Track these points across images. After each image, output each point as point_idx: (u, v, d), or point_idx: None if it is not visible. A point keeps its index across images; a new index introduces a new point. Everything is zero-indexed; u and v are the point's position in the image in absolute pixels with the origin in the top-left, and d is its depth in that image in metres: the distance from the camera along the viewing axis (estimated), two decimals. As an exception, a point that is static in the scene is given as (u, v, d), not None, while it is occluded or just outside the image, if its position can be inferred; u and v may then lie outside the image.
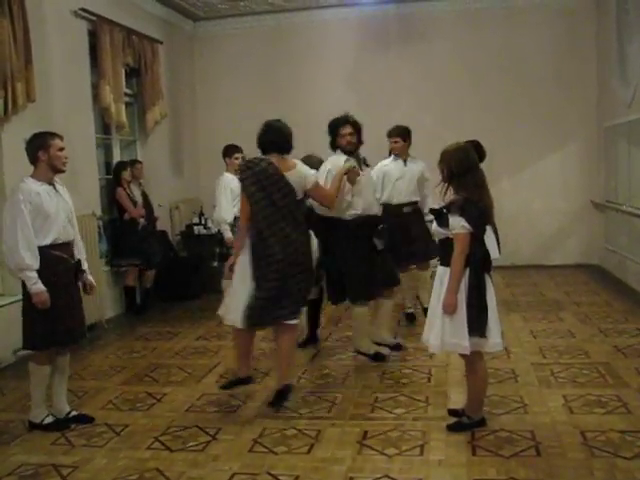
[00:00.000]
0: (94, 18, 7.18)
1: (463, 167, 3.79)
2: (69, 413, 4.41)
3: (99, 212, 7.29)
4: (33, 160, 4.19)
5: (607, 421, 4.05)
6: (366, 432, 4.04)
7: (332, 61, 9.82)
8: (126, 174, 7.50)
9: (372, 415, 4.35)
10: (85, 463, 3.82)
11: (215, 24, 10.13)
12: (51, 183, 4.23)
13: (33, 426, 4.30)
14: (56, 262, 4.16)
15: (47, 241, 4.12)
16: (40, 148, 4.16)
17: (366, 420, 4.26)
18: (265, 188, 4.38)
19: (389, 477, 3.49)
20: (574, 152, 9.48)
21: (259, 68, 10.02)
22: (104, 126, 7.86)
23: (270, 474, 3.58)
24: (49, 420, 4.31)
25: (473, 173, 3.81)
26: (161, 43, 8.85)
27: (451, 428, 4.02)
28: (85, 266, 4.42)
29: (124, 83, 7.97)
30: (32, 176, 4.17)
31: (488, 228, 3.88)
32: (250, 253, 4.41)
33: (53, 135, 4.25)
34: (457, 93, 9.45)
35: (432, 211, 3.97)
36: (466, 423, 4.01)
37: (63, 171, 4.26)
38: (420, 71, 9.59)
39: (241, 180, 4.52)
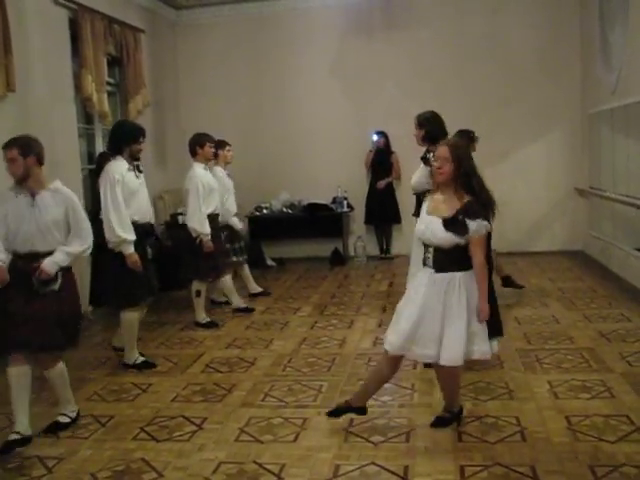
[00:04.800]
0: (75, 6, 7.09)
1: (472, 165, 3.70)
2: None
3: (82, 203, 7.22)
4: None
5: (591, 406, 4.09)
6: (352, 420, 4.04)
7: (316, 49, 9.78)
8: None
9: (358, 403, 4.35)
10: (71, 454, 3.80)
11: (198, 12, 10.04)
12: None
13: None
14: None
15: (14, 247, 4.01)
16: None
17: (352, 408, 4.27)
18: None
19: (375, 464, 3.50)
20: (558, 139, 9.51)
21: (243, 56, 9.96)
22: (86, 116, 7.79)
23: (256, 463, 3.58)
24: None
25: (477, 171, 3.72)
26: (143, 32, 8.76)
27: (435, 425, 3.92)
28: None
29: (106, 72, 7.87)
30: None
31: None
32: None
33: None
34: (441, 80, 9.42)
35: (445, 220, 3.64)
36: (448, 417, 3.92)
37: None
38: (404, 58, 9.57)
39: None
